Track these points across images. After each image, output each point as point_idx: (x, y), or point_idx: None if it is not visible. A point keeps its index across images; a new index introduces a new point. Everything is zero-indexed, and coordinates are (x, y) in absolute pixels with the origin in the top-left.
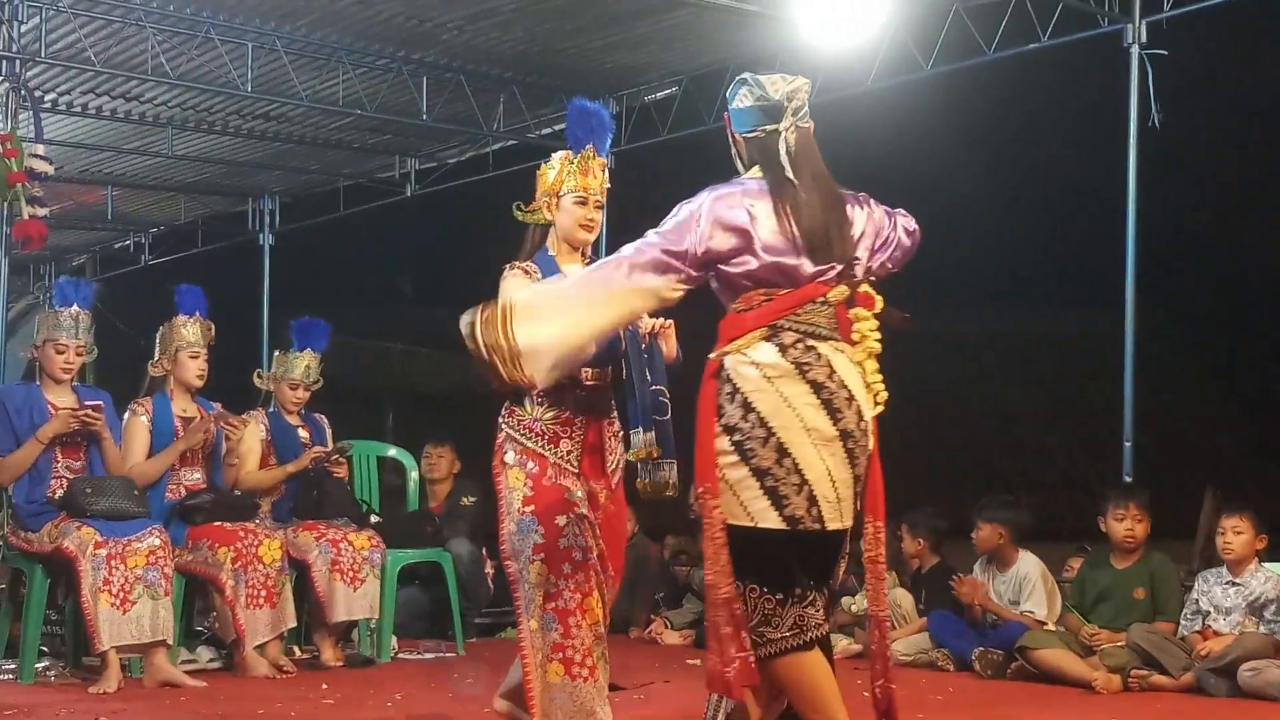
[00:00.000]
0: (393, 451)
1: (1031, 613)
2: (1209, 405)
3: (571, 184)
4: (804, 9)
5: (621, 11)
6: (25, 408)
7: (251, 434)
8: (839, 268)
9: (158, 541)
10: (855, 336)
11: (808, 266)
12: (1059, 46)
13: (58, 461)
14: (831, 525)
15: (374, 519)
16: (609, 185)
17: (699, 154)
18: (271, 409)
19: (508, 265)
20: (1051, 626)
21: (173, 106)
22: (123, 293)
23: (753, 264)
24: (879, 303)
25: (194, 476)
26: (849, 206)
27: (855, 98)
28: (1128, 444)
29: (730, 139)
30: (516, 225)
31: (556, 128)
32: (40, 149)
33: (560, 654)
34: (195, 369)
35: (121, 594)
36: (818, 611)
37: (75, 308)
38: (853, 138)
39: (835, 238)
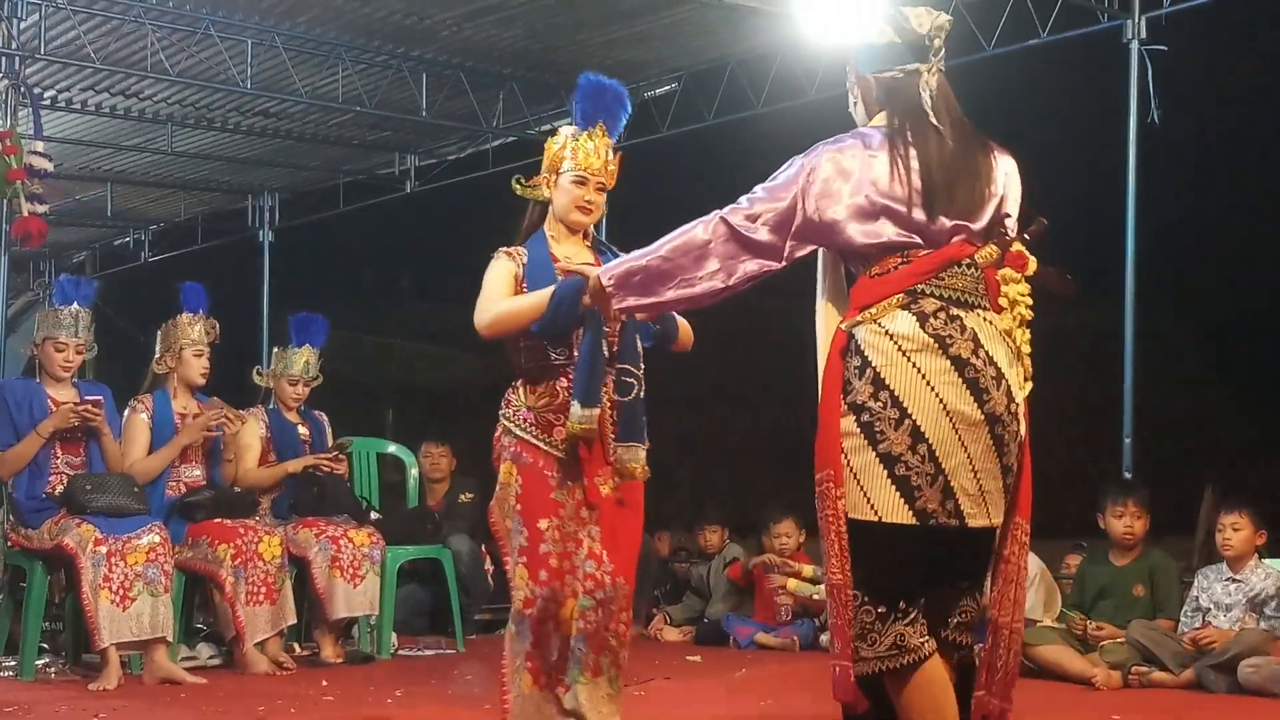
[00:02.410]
0: (392, 448)
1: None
2: (1209, 401)
3: (572, 162)
4: (804, 5)
5: (622, 7)
6: (25, 402)
7: (251, 431)
8: (985, 223)
9: (158, 538)
10: (1003, 302)
11: (945, 223)
12: (1058, 42)
13: (57, 457)
14: (974, 522)
15: (374, 516)
16: (615, 169)
17: (699, 150)
18: (271, 406)
19: (498, 249)
20: (1049, 623)
21: (172, 103)
22: (123, 290)
23: (880, 225)
24: (1032, 264)
25: (194, 473)
26: (995, 155)
27: None
28: (1128, 440)
29: (851, 88)
30: (516, 221)
31: (557, 124)
32: (40, 146)
33: (530, 663)
34: (199, 366)
35: (121, 591)
36: (917, 630)
37: (75, 306)
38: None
39: (977, 190)
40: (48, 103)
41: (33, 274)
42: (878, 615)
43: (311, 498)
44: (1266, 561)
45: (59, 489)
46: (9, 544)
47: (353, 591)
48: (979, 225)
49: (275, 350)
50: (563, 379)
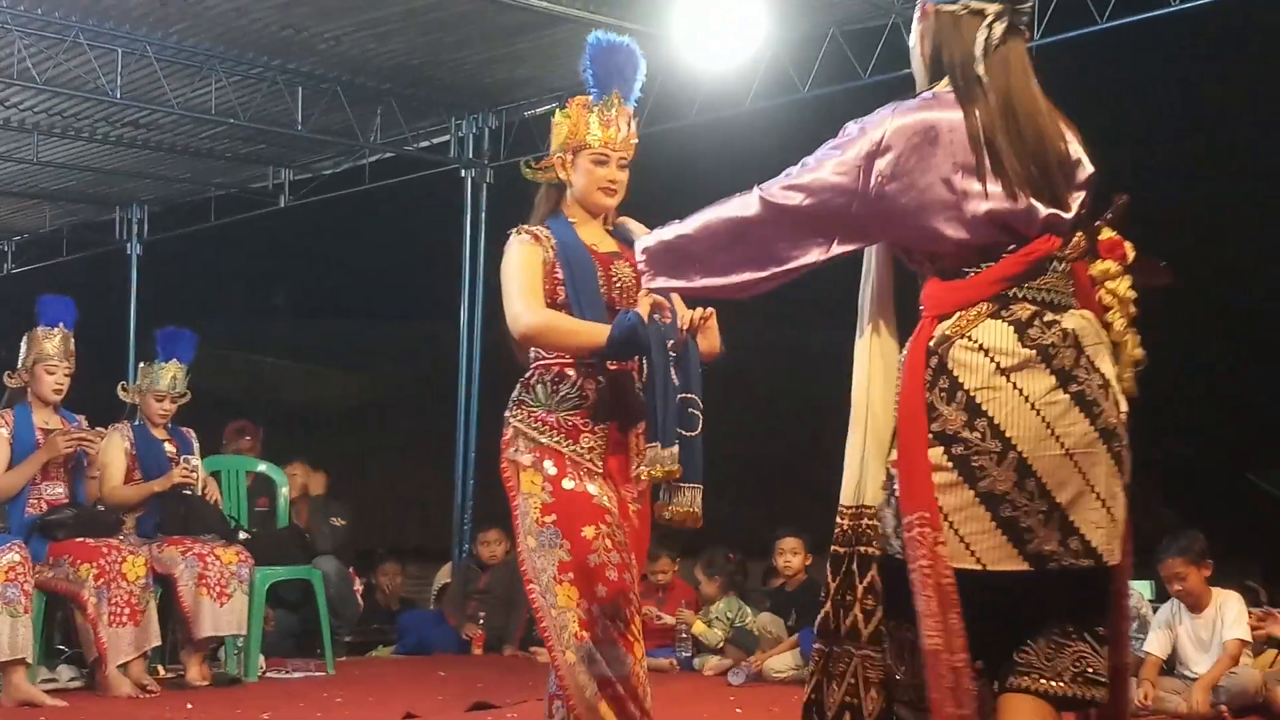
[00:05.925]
0: (263, 467)
1: None
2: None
3: (591, 139)
4: (684, 29)
5: (503, 26)
6: None
7: (114, 447)
8: (1071, 211)
9: (17, 558)
10: (1108, 300)
11: (1038, 211)
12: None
13: None
14: (1113, 559)
15: (242, 535)
16: (635, 141)
17: None
18: (137, 422)
19: (514, 230)
20: None
21: (39, 112)
22: None
23: (964, 218)
24: (1130, 251)
25: (55, 491)
26: (1068, 128)
27: (734, 118)
28: None
29: (917, 25)
30: (396, 238)
31: (435, 140)
32: None
33: (610, 690)
34: (52, 384)
35: None
36: (987, 690)
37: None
38: (731, 157)
39: (1064, 171)
40: None
41: None
42: (976, 673)
43: (179, 516)
44: (1133, 584)
45: None
46: None
47: (220, 611)
48: (1070, 213)
49: (141, 365)
50: (591, 381)
